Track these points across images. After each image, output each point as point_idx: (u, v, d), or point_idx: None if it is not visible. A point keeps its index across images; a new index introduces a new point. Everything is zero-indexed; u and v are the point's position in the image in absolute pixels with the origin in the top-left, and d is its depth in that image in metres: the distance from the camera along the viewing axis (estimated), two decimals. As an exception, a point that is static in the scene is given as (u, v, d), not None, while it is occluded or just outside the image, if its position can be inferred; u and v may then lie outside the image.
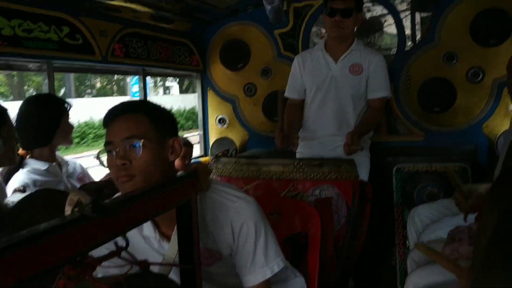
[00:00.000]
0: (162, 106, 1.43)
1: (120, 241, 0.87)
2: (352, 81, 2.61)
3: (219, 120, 3.99)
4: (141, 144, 1.25)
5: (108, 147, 1.28)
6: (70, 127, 2.19)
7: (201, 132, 4.08)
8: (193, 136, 5.31)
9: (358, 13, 2.57)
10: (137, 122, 1.29)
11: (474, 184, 2.60)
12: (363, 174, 2.54)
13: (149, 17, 3.25)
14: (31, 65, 2.45)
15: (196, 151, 4.16)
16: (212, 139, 4.03)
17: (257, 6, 3.61)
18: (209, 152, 4.03)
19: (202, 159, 3.93)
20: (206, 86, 3.99)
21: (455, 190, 2.05)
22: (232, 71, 3.88)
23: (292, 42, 3.67)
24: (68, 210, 0.96)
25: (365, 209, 2.36)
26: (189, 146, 2.99)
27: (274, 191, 2.05)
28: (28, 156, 2.08)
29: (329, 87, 2.64)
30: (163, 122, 1.36)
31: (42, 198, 1.56)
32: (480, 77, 3.19)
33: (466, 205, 2.03)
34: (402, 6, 3.39)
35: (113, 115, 1.31)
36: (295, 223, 1.92)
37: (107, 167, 1.29)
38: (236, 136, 3.95)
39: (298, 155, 2.78)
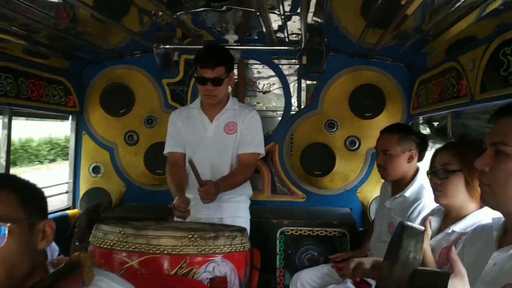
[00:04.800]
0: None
1: None
2: (227, 140, 2.56)
3: (93, 168, 3.62)
4: (6, 229, 1.00)
5: None
6: None
7: (71, 180, 3.63)
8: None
9: (230, 74, 2.50)
10: (3, 201, 1.03)
11: (354, 252, 2.74)
12: None
13: (22, 51, 2.86)
14: None
15: (63, 201, 3.68)
16: (83, 189, 3.62)
17: (146, 52, 3.44)
18: (77, 205, 3.60)
19: (69, 212, 3.48)
20: (81, 130, 3.62)
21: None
22: (113, 116, 3.59)
23: (181, 93, 3.55)
24: None
25: (253, 278, 2.28)
26: None
27: (163, 268, 1.84)
28: None
29: (206, 147, 2.54)
30: (33, 201, 1.10)
31: None
32: (357, 145, 3.44)
33: (349, 273, 2.09)
34: (289, 71, 3.53)
35: None
36: (186, 305, 1.74)
37: None
38: (112, 187, 3.60)
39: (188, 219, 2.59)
